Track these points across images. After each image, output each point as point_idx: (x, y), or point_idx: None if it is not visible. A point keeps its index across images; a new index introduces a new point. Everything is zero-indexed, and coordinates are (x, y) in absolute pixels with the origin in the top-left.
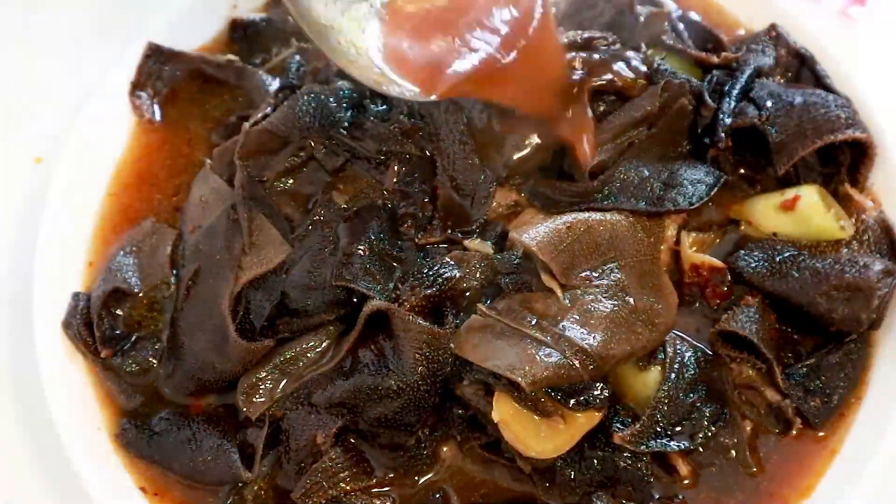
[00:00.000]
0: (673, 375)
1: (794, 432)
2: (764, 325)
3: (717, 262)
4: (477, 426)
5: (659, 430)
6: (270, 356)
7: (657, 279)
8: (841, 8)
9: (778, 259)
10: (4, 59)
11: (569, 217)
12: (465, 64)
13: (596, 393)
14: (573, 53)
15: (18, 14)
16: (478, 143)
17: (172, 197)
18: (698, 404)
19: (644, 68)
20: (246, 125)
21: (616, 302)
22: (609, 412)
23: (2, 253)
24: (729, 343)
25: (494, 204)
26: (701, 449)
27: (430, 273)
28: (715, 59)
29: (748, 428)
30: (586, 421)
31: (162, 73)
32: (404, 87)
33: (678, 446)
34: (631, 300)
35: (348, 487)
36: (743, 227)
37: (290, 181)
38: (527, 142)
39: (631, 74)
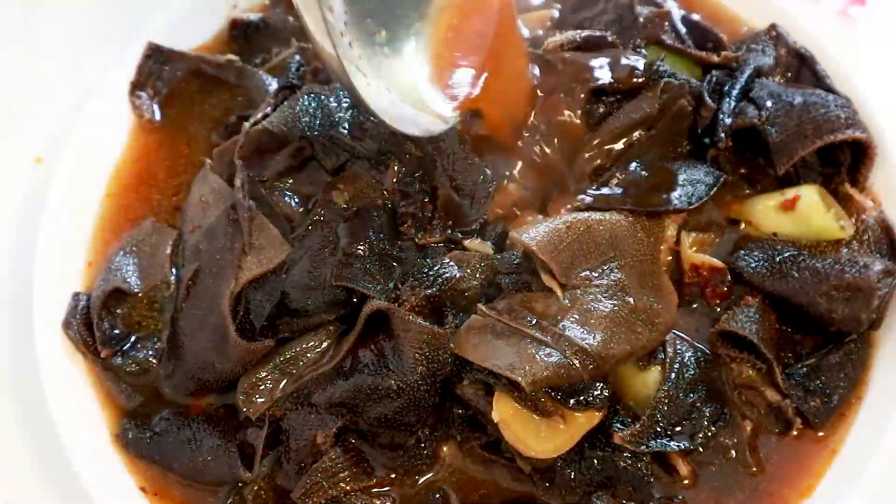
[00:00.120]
0: (673, 375)
1: (795, 432)
2: (764, 325)
3: (717, 262)
4: (477, 426)
5: (659, 430)
6: (270, 356)
7: (657, 279)
8: (841, 8)
9: (778, 259)
10: (4, 59)
11: (568, 217)
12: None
13: (596, 393)
14: (570, 52)
15: (18, 14)
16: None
17: (172, 197)
18: (698, 404)
19: (643, 68)
20: (246, 125)
21: (616, 302)
22: (609, 412)
23: (2, 253)
24: (729, 343)
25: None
26: (701, 449)
27: (430, 273)
28: (715, 59)
29: (748, 428)
30: (586, 421)
31: (162, 72)
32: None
33: (678, 446)
34: (631, 300)
35: (348, 487)
36: (743, 227)
37: (290, 181)
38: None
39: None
